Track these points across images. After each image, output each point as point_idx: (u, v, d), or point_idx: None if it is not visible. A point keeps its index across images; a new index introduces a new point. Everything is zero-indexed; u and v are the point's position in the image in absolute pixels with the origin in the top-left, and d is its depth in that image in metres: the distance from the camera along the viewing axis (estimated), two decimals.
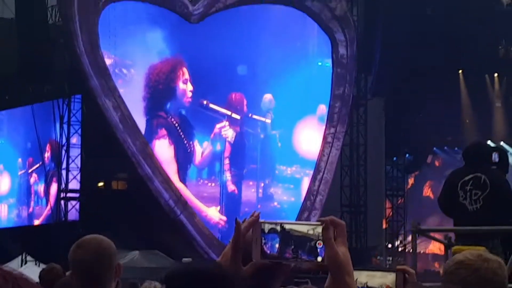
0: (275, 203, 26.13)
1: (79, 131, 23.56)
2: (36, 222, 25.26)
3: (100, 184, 25.18)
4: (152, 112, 24.19)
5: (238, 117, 25.53)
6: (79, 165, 23.42)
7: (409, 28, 26.51)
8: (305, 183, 26.22)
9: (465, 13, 27.65)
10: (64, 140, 23.42)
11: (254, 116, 25.86)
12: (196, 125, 25.15)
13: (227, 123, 25.32)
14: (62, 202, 23.22)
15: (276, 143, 26.29)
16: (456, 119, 29.54)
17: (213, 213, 24.80)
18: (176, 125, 24.54)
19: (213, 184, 25.43)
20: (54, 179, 24.08)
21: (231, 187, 25.48)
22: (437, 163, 31.39)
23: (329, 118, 25.68)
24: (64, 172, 23.31)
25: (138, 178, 22.66)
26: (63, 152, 23.39)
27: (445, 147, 30.92)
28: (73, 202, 23.36)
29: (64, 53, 23.51)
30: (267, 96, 25.92)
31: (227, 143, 25.40)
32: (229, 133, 25.36)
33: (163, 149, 24.07)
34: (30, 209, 25.68)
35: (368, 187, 27.58)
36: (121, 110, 22.19)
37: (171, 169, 23.90)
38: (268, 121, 26.01)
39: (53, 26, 24.18)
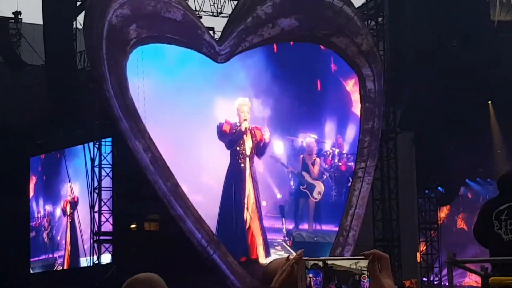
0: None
1: (110, 174, 23.68)
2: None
3: (133, 226, 25.24)
4: None
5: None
6: (111, 208, 23.51)
7: (436, 61, 26.49)
8: None
9: (492, 44, 27.59)
10: (96, 183, 23.55)
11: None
12: None
13: None
14: (96, 245, 23.31)
15: None
16: (487, 149, 29.34)
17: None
18: None
19: None
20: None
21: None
22: (469, 195, 31.14)
23: (359, 152, 25.59)
24: (96, 215, 23.41)
25: (170, 219, 22.65)
26: (95, 195, 23.52)
27: (478, 179, 30.68)
28: (106, 245, 23.43)
29: (93, 97, 23.69)
30: None
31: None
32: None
33: None
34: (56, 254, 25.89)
35: (400, 220, 27.40)
36: (151, 152, 22.22)
37: None
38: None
39: (82, 71, 24.43)
